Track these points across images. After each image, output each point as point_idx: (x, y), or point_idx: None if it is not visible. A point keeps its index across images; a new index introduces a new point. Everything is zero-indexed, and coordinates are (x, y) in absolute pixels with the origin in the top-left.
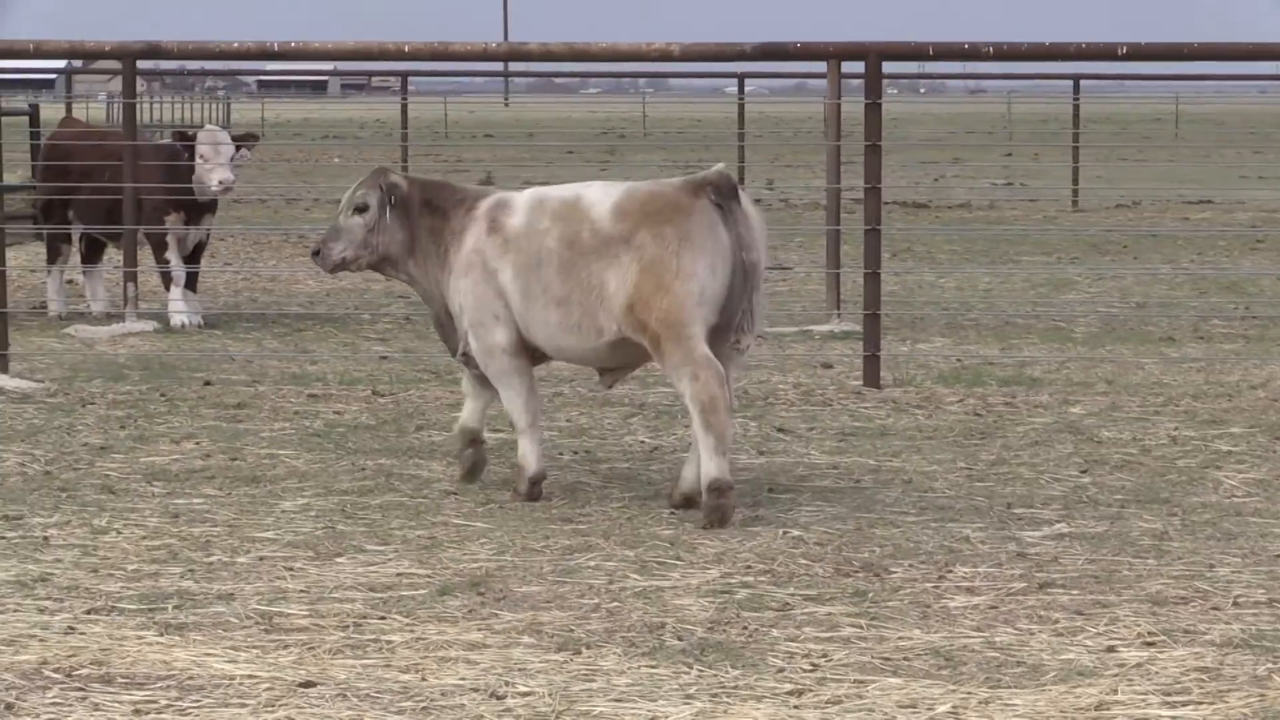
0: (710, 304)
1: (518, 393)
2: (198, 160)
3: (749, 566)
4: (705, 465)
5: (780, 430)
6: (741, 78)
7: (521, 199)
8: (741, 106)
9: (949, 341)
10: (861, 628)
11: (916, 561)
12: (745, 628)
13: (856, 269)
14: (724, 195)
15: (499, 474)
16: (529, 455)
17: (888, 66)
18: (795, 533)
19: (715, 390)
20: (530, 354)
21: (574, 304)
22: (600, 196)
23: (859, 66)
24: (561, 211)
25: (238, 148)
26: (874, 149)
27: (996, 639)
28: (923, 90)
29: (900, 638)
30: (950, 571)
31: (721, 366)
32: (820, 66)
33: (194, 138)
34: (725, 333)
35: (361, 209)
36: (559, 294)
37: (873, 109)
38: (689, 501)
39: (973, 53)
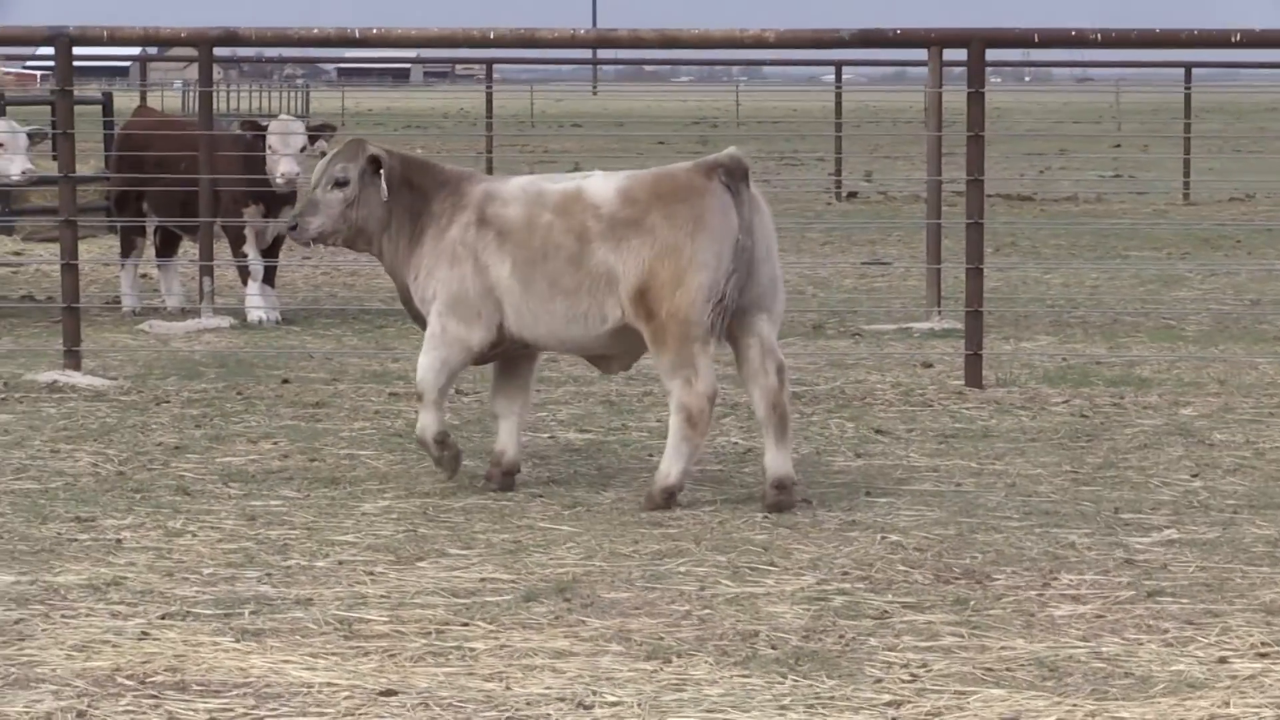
0: (715, 297)
1: (441, 375)
2: (267, 151)
3: (845, 573)
4: (666, 467)
5: (878, 432)
6: (839, 66)
7: (512, 190)
8: (839, 96)
9: (1054, 340)
10: (962, 637)
11: (1020, 568)
12: (841, 636)
13: (958, 264)
14: (735, 177)
15: (583, 475)
16: (430, 426)
17: (991, 53)
18: (894, 538)
19: (705, 404)
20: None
21: (583, 294)
22: (603, 184)
23: (961, 54)
24: (564, 204)
25: (313, 139)
26: (976, 139)
27: (1103, 649)
28: (1027, 78)
29: (1003, 647)
30: (1055, 579)
31: (715, 381)
32: (921, 54)
33: (265, 127)
34: (753, 314)
35: (342, 183)
36: (568, 286)
37: (975, 98)
38: (778, 487)
39: (1080, 39)
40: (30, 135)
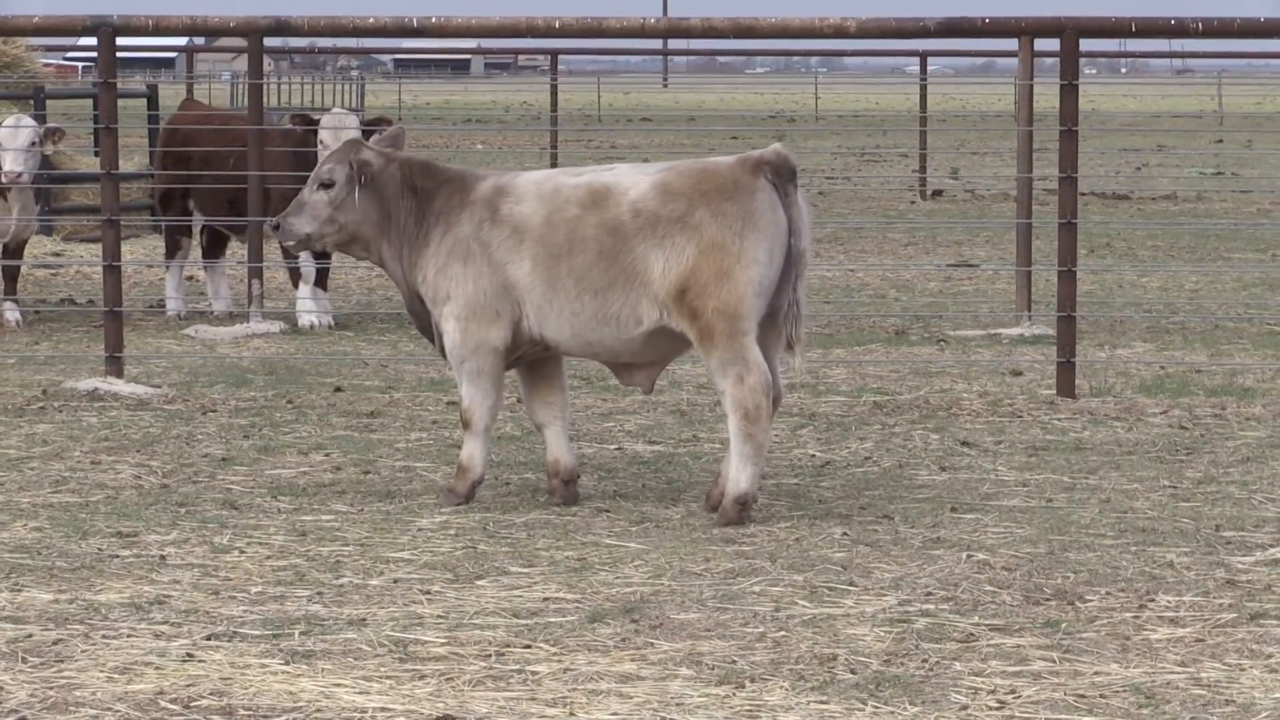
0: (765, 295)
1: (485, 395)
2: (319, 146)
3: (929, 593)
4: (735, 474)
5: (965, 443)
6: (924, 56)
7: (526, 185)
8: (923, 88)
9: (1151, 347)
10: (1053, 661)
11: (1115, 589)
12: (925, 660)
13: (1049, 267)
14: (782, 176)
15: (652, 489)
16: (476, 458)
17: (1085, 44)
18: (980, 556)
19: (760, 398)
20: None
21: (615, 292)
22: (635, 177)
23: (1054, 44)
24: (591, 198)
25: (367, 134)
26: (1069, 134)
27: (1203, 675)
28: (1124, 70)
29: (1096, 673)
30: (1152, 600)
31: (770, 372)
32: (1011, 44)
33: (317, 122)
34: (770, 327)
35: (327, 184)
36: (598, 283)
37: (1069, 90)
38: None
39: (1179, 29)
40: (49, 131)
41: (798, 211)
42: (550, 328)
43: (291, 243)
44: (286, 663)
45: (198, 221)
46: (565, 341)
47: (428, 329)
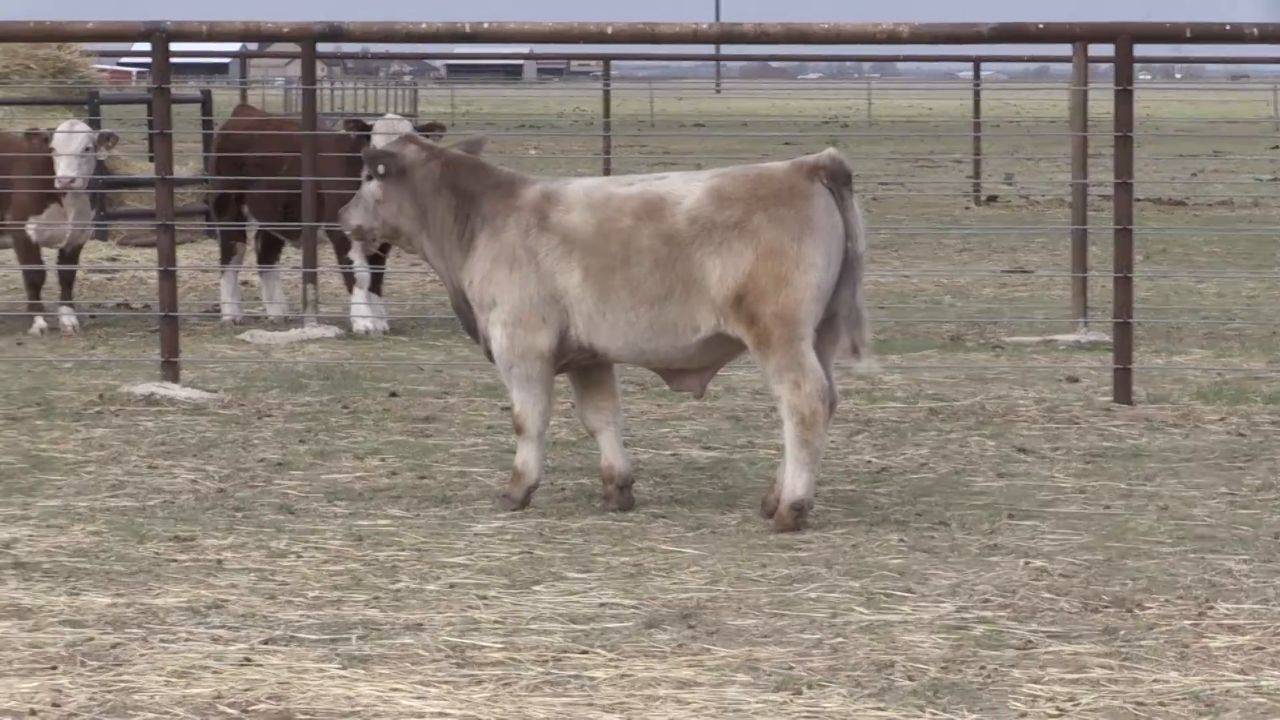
0: (822, 300)
1: (536, 400)
2: None
3: (987, 600)
4: (791, 481)
5: (1021, 450)
6: (978, 62)
7: (576, 193)
8: (977, 93)
9: (1209, 354)
10: (1112, 669)
11: (1173, 596)
12: (983, 668)
13: (1105, 273)
14: (837, 180)
15: (708, 495)
16: (530, 463)
17: (1140, 49)
18: (1038, 563)
19: (817, 404)
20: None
21: (672, 301)
22: (688, 185)
23: (1108, 49)
24: (646, 208)
25: None
26: (1125, 140)
27: (1263, 683)
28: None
29: (1155, 680)
30: (1211, 608)
31: (825, 379)
32: (1065, 49)
33: (370, 127)
34: (826, 332)
35: (370, 176)
36: (654, 293)
37: (1124, 96)
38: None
39: (1235, 34)
40: (103, 137)
41: (853, 215)
42: (601, 337)
43: (350, 232)
44: (344, 667)
45: (252, 227)
46: (618, 351)
47: (473, 328)
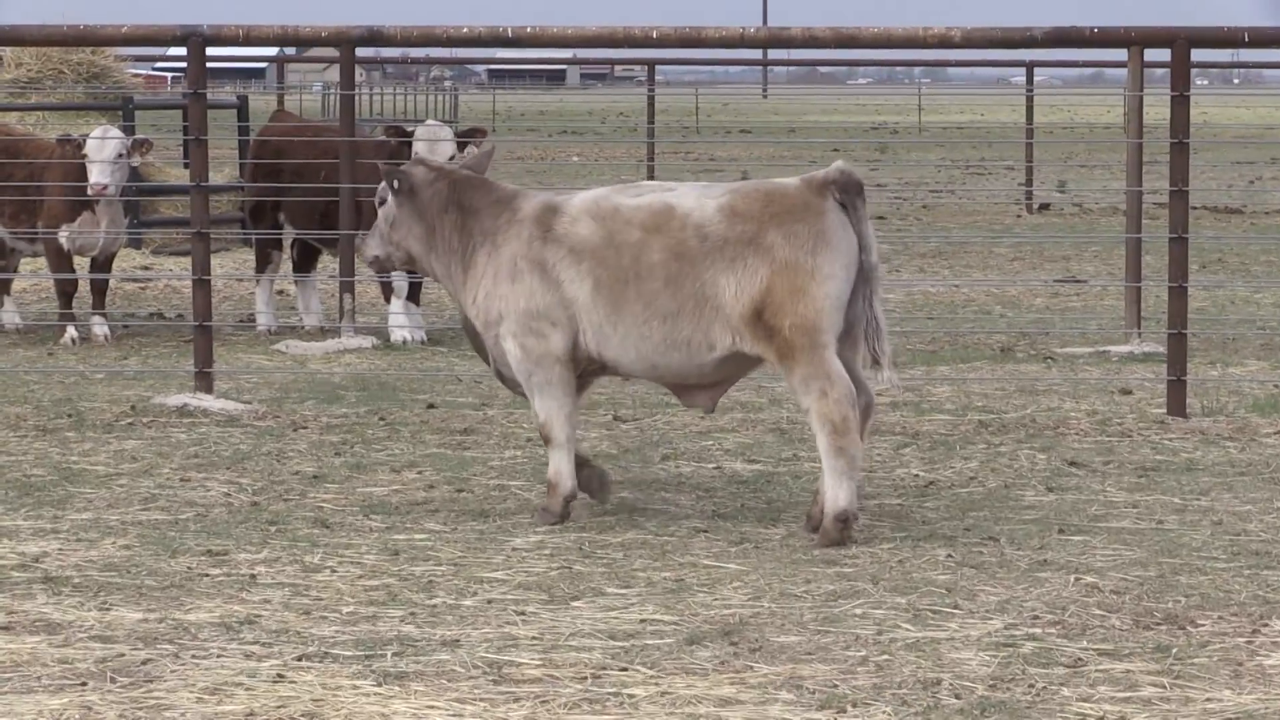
0: (841, 309)
1: (560, 405)
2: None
3: (1036, 616)
4: (832, 492)
5: (1072, 464)
6: (1030, 67)
7: (581, 204)
8: (1030, 99)
9: (1265, 365)
10: (1164, 688)
11: (1227, 613)
12: (1032, 685)
13: (1160, 282)
14: (848, 193)
15: (751, 509)
16: (563, 472)
17: (1197, 54)
18: (1089, 579)
19: (847, 409)
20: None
21: (684, 318)
22: (699, 200)
23: (1164, 54)
24: (654, 221)
25: (461, 145)
26: (1181, 147)
27: None
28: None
29: (1208, 699)
30: (1266, 625)
31: (852, 384)
32: (1120, 54)
33: (410, 133)
34: (847, 343)
35: (383, 201)
36: (666, 308)
37: (1180, 102)
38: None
39: None
40: (137, 143)
41: (866, 227)
42: (612, 350)
43: (368, 263)
44: (379, 684)
45: (288, 235)
46: (629, 364)
47: (483, 349)
